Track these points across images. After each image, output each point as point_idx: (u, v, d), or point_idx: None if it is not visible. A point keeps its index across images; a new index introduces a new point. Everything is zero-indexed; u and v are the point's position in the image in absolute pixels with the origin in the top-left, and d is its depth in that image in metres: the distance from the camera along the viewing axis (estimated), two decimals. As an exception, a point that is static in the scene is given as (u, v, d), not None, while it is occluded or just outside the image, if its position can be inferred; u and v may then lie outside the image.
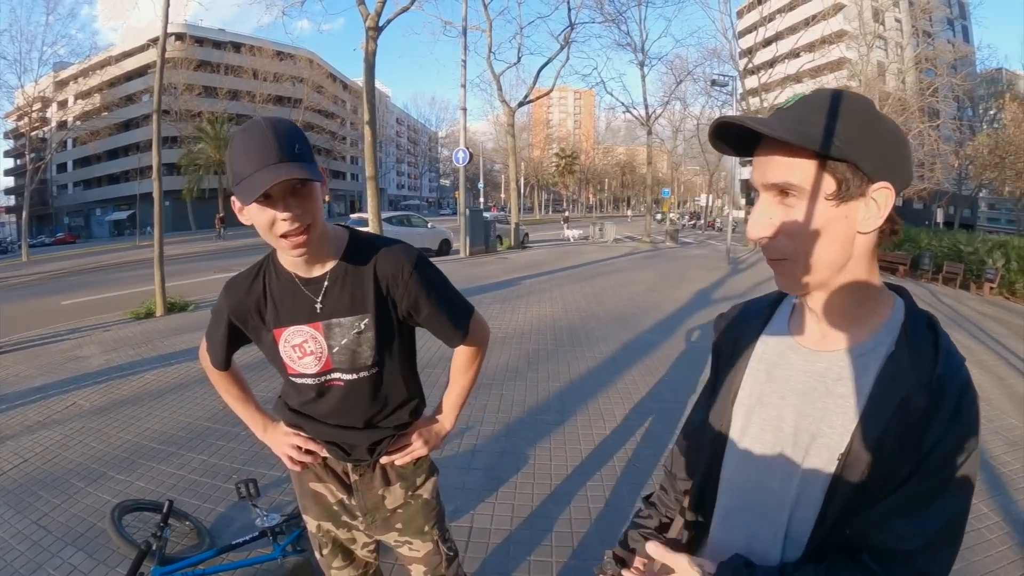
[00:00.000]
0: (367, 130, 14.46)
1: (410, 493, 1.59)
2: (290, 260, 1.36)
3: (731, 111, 31.07)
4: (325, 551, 1.65)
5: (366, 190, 13.80)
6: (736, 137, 0.86)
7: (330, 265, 1.39)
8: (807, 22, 31.60)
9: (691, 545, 1.05)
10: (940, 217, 37.32)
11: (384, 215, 15.49)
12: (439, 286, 1.46)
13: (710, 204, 55.36)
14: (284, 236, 1.23)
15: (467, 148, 18.33)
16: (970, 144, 19.10)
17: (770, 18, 30.99)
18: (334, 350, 1.40)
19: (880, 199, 0.78)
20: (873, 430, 0.79)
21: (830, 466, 0.82)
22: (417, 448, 1.55)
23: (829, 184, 0.78)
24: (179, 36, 46.69)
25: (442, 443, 1.64)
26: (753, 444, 0.92)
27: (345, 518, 1.60)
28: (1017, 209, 34.61)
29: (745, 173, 54.46)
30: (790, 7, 36.76)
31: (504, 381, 5.64)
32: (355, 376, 1.43)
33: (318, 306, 1.38)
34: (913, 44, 35.21)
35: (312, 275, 1.39)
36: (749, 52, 30.21)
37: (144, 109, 46.85)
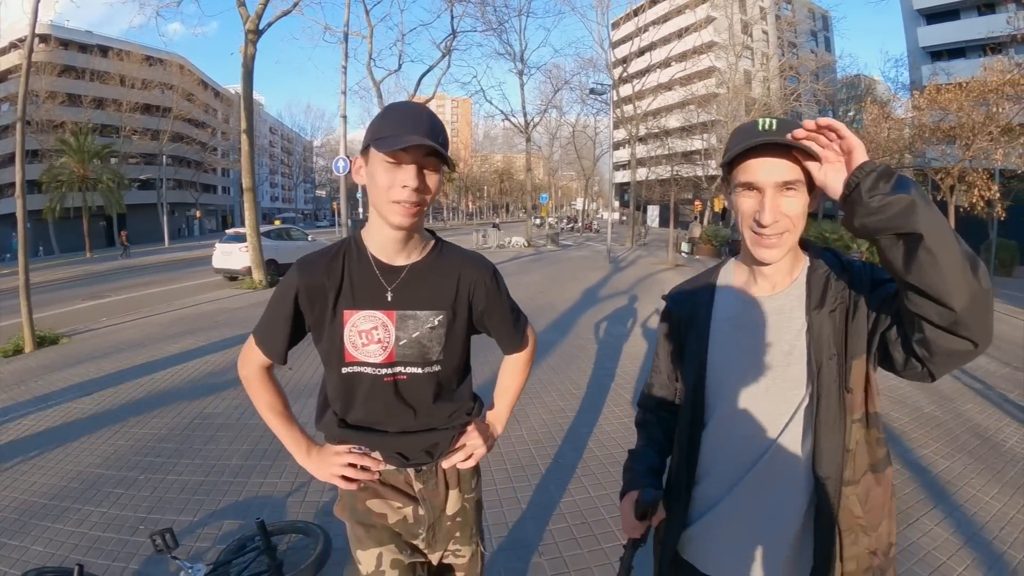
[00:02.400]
0: (244, 139, 13.85)
1: (466, 496, 1.57)
2: (376, 242, 1.38)
3: (606, 118, 32.37)
4: None
5: (240, 203, 13.29)
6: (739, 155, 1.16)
7: (414, 258, 1.42)
8: (679, 34, 33.31)
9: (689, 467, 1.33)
10: (805, 209, 40.59)
11: (262, 229, 14.85)
12: (508, 297, 1.55)
13: (586, 207, 57.27)
14: (398, 203, 1.26)
15: (347, 156, 17.89)
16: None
17: (644, 29, 32.50)
18: (401, 342, 1.39)
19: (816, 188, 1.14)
20: (818, 310, 1.17)
21: (803, 356, 1.18)
22: (478, 448, 1.53)
23: (804, 179, 1.12)
24: (43, 38, 42.15)
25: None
26: (740, 377, 1.24)
27: (407, 539, 1.52)
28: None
29: (618, 177, 56.99)
30: (663, 19, 38.69)
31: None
32: (419, 371, 1.42)
33: (389, 295, 1.38)
34: (779, 54, 38.08)
35: (394, 263, 1.40)
36: (624, 61, 31.54)
37: (1, 120, 42.04)
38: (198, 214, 53.17)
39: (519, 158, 68.07)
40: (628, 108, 31.63)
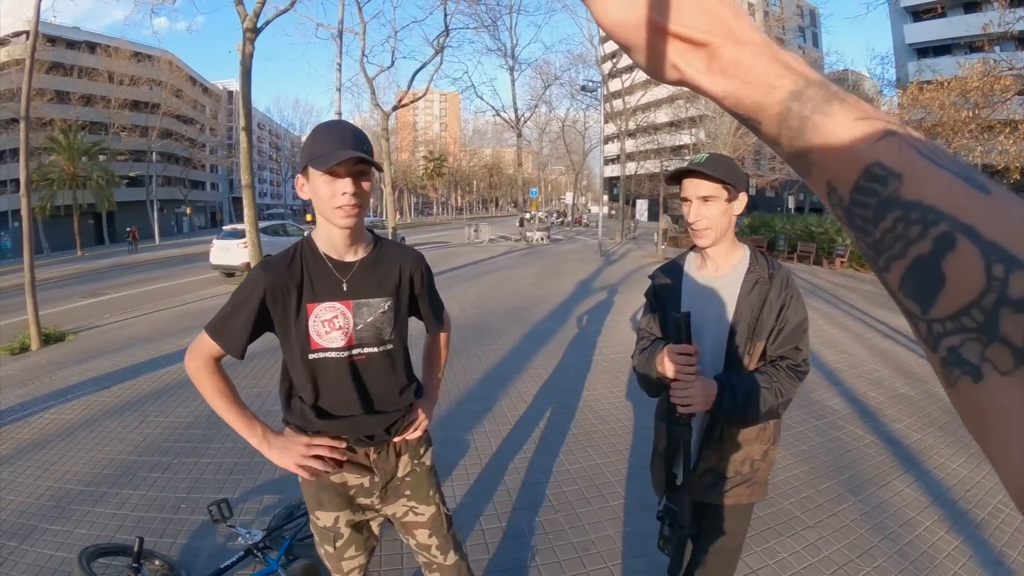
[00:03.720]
0: (243, 136, 13.86)
1: (416, 461, 1.84)
2: (327, 242, 1.63)
3: (596, 114, 32.62)
4: (339, 543, 1.76)
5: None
6: (676, 175, 1.77)
7: (362, 254, 1.68)
8: (669, 27, 33.45)
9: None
10: (792, 203, 41.01)
11: (259, 226, 14.86)
12: (434, 284, 1.89)
13: (575, 202, 57.44)
14: (340, 208, 1.52)
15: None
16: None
17: (634, 23, 32.60)
18: (359, 327, 1.64)
19: (742, 199, 1.74)
20: (745, 300, 1.74)
21: (728, 324, 1.75)
22: (424, 422, 1.83)
23: (725, 194, 1.71)
24: (36, 34, 41.24)
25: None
26: (696, 330, 1.70)
27: (361, 499, 1.78)
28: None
29: (608, 172, 56.98)
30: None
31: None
32: (376, 350, 1.66)
33: (344, 286, 1.63)
34: (766, 50, 38.25)
35: (345, 259, 1.65)
36: (613, 56, 31.69)
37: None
38: (188, 211, 52.85)
39: (508, 152, 68.11)
40: (617, 103, 31.89)
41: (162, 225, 46.08)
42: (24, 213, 8.57)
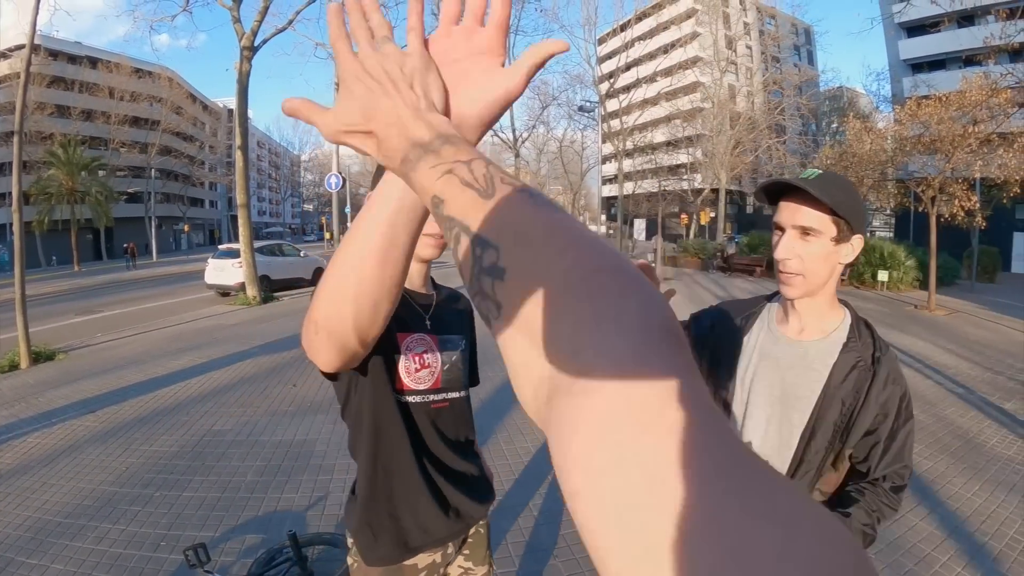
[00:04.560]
0: (239, 155, 13.87)
1: (480, 523, 1.67)
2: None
3: (594, 134, 32.82)
4: None
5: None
6: (774, 191, 1.31)
7: (431, 290, 1.55)
8: (665, 49, 33.80)
9: None
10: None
11: (255, 245, 14.86)
12: None
13: (573, 222, 57.37)
14: (429, 235, 1.35)
15: (340, 173, 18.09)
16: (816, 157, 21.49)
17: (630, 44, 33.00)
18: (445, 367, 1.48)
19: (856, 243, 1.26)
20: (836, 389, 1.27)
21: (806, 416, 1.29)
22: None
23: (834, 231, 1.22)
24: (32, 48, 41.68)
25: None
26: (753, 403, 1.37)
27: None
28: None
29: (606, 191, 57.36)
30: (649, 35, 39.23)
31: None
32: (458, 395, 1.52)
33: (428, 322, 1.48)
34: (763, 69, 38.65)
35: (420, 291, 1.51)
36: (610, 76, 31.95)
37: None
38: (186, 228, 52.85)
39: (507, 172, 67.95)
40: (615, 123, 32.07)
41: (160, 242, 46.06)
42: (16, 228, 8.45)
